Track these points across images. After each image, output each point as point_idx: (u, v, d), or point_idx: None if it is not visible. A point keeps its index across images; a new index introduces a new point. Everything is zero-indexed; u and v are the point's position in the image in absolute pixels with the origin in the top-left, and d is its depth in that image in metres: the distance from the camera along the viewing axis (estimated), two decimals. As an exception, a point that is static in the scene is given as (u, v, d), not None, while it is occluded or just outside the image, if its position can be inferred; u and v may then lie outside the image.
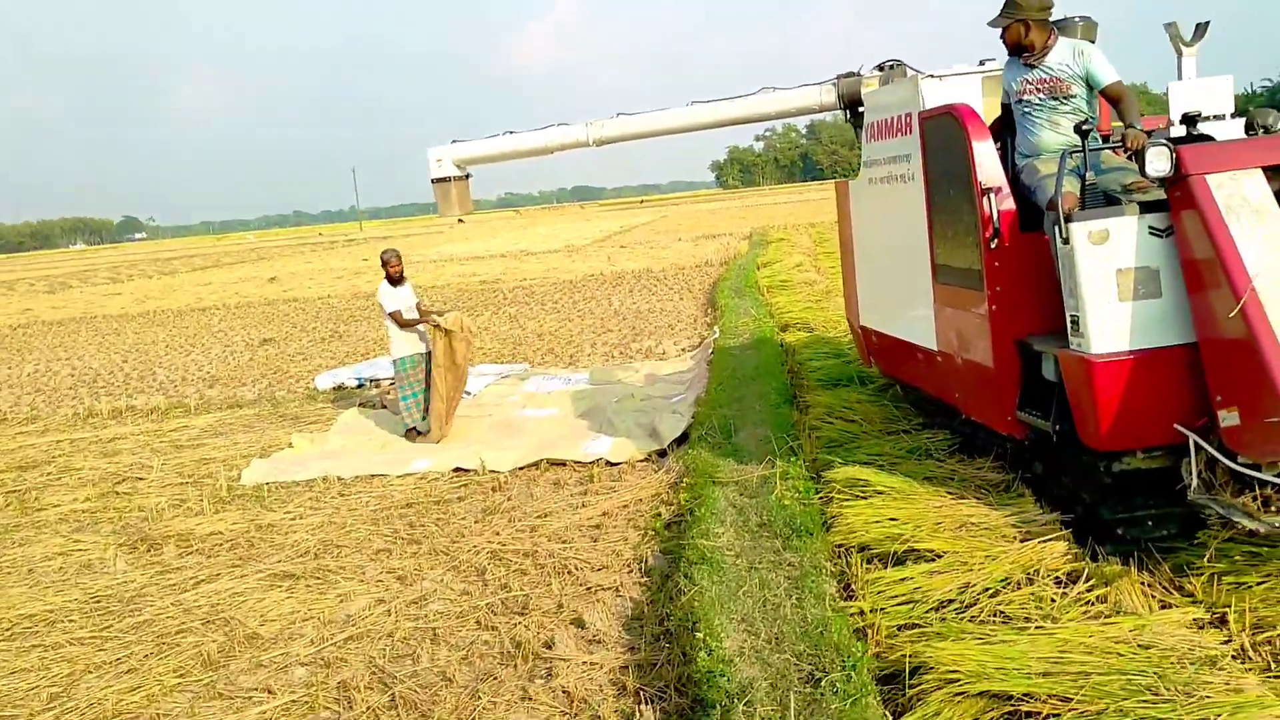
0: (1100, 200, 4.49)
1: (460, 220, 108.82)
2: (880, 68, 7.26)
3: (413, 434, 9.26)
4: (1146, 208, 4.30)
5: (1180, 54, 5.17)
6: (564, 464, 8.02)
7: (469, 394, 11.08)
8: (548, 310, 18.92)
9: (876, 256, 6.79)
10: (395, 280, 9.31)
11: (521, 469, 8.04)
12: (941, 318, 5.68)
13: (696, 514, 5.77)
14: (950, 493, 5.29)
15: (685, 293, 19.64)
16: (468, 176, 9.29)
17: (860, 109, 7.06)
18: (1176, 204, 4.19)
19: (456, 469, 8.19)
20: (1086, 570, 4.19)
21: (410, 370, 9.24)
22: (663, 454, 7.93)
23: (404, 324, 9.15)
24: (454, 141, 9.30)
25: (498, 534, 6.59)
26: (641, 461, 7.90)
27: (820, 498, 5.63)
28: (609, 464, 7.89)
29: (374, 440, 9.38)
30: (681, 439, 8.07)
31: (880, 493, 5.30)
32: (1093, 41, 5.38)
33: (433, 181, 9.23)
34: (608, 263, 29.13)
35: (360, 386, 12.50)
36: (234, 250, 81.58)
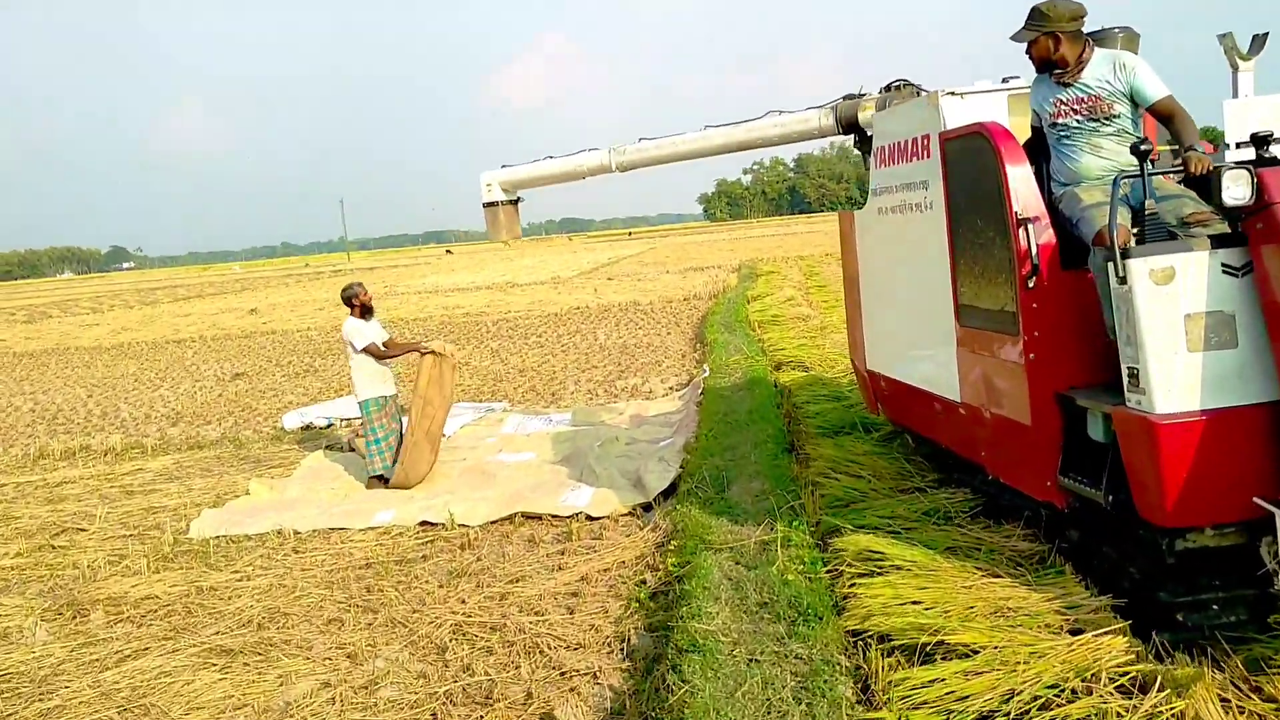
0: (1163, 234, 3.84)
1: (448, 251, 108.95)
2: (886, 89, 6.66)
3: (376, 482, 8.55)
4: (1218, 242, 3.67)
5: (1236, 68, 4.56)
6: (540, 518, 7.32)
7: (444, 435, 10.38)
8: (531, 345, 18.25)
9: (887, 294, 6.15)
10: (364, 313, 8.64)
11: (494, 522, 7.34)
12: (966, 365, 5.02)
13: (687, 586, 5.07)
14: (979, 568, 4.60)
15: (673, 327, 19.01)
16: (517, 201, 8.99)
17: (866, 132, 6.46)
18: (1257, 237, 3.55)
19: (423, 522, 7.48)
20: (1158, 677, 3.49)
21: (377, 413, 8.55)
22: (648, 508, 7.24)
23: (383, 356, 8.49)
24: (503, 166, 8.97)
25: (464, 602, 5.87)
26: (625, 515, 7.20)
27: (829, 571, 4.93)
28: (589, 518, 7.19)
29: (339, 488, 8.65)
30: (669, 490, 7.38)
31: (898, 567, 4.61)
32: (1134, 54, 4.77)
33: (484, 206, 8.91)
34: (594, 295, 28.52)
35: (329, 426, 11.78)
36: (218, 281, 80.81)
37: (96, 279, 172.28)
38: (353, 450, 10.07)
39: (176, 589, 6.49)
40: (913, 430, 6.41)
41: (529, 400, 12.39)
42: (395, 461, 8.50)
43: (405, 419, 8.59)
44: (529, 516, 7.35)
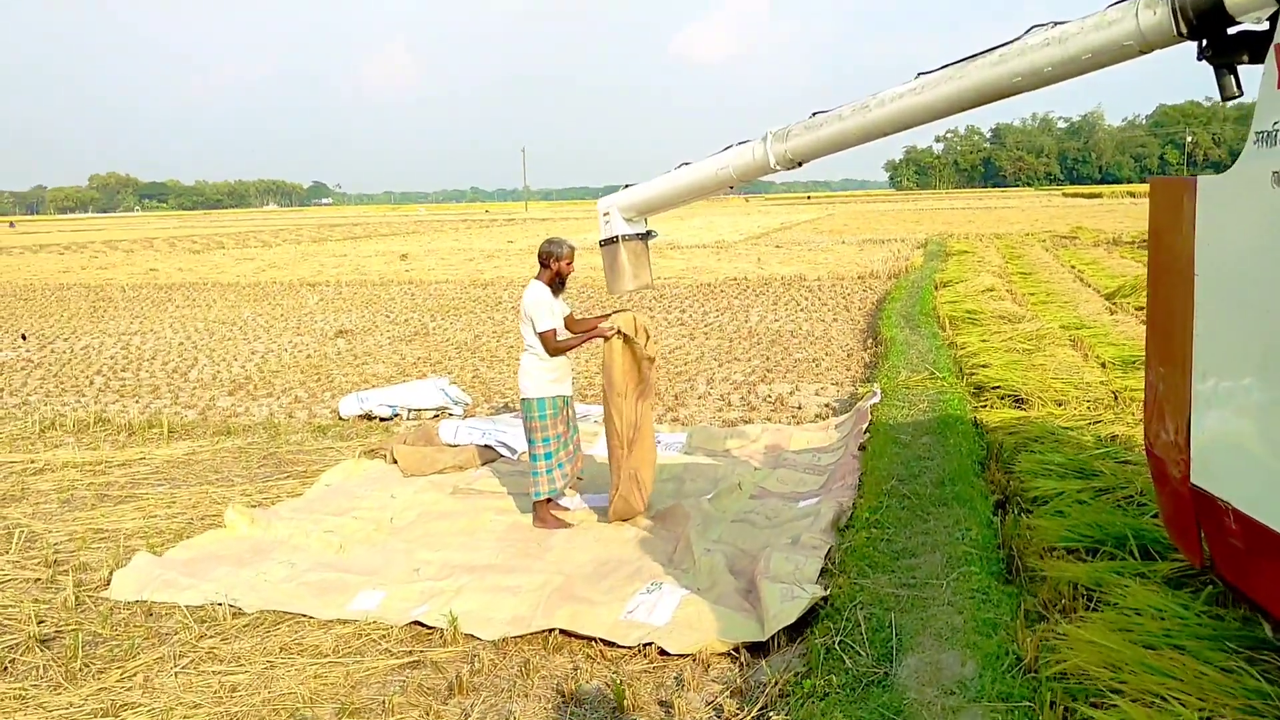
0: None
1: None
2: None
3: (546, 510, 6.21)
4: None
5: None
6: (591, 639, 4.61)
7: (511, 452, 7.81)
8: (671, 322, 15.50)
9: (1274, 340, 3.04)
10: (558, 283, 6.15)
11: (518, 638, 4.68)
12: None
13: None
14: None
15: (841, 312, 15.86)
16: (647, 235, 6.07)
17: (1241, 26, 3.29)
18: None
19: (414, 622, 4.89)
20: None
21: (552, 418, 6.11)
22: (761, 648, 4.40)
23: (559, 349, 6.03)
24: (625, 187, 6.13)
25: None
26: (720, 655, 4.40)
27: None
28: (663, 653, 4.43)
29: (339, 531, 6.18)
30: (799, 621, 4.51)
31: None
32: None
33: (600, 246, 6.12)
34: (757, 265, 25.47)
35: (393, 417, 9.42)
36: (399, 221, 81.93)
37: (295, 212, 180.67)
38: (395, 462, 7.65)
39: None
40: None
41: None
42: (562, 479, 6.18)
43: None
44: (572, 635, 4.65)
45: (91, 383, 12.03)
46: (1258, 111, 2.99)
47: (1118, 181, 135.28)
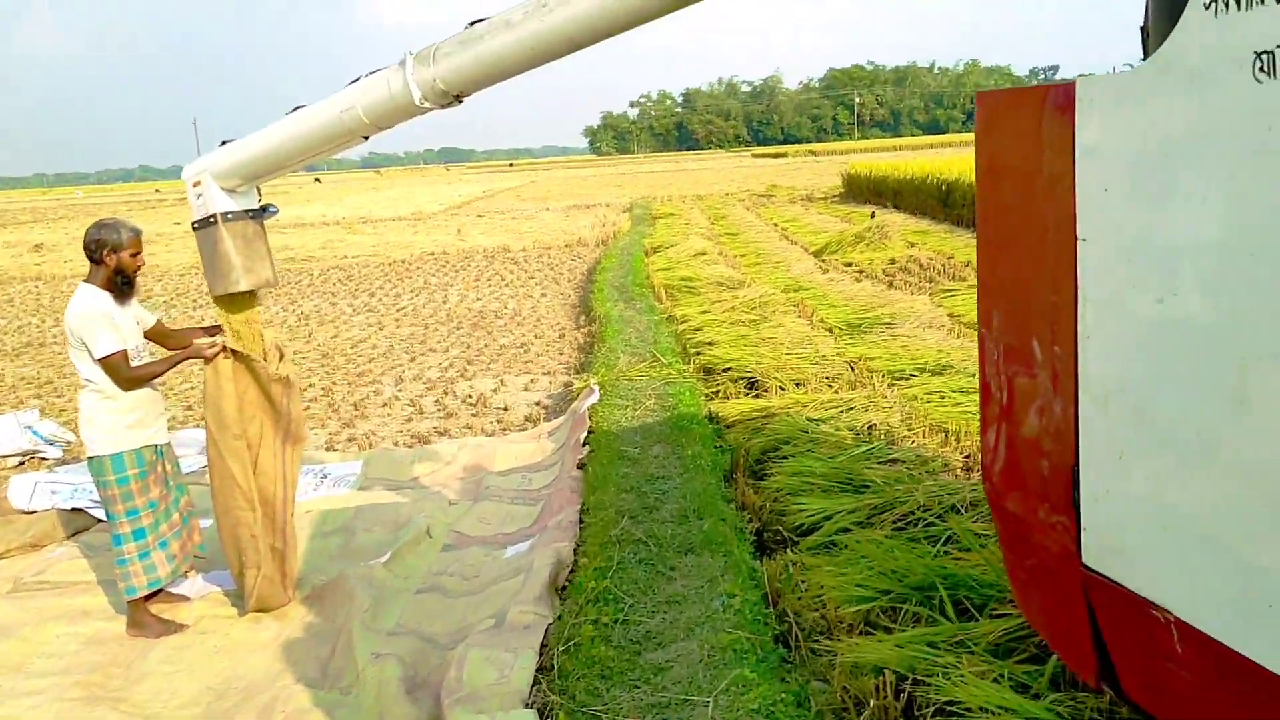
0: None
1: (317, 180, 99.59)
2: None
3: (145, 610, 4.29)
4: None
5: None
6: None
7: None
8: (357, 309, 13.50)
9: (1224, 348, 1.86)
10: (118, 284, 4.12)
11: None
12: None
13: None
14: None
15: (551, 285, 14.51)
16: (262, 213, 4.02)
17: None
18: None
19: None
20: None
21: (138, 480, 4.16)
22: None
23: (137, 379, 4.08)
24: (223, 143, 4.02)
25: None
26: None
27: None
28: None
29: None
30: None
31: None
32: None
33: (194, 229, 3.97)
34: (457, 237, 23.66)
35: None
36: (47, 207, 72.11)
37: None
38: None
39: None
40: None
41: (311, 419, 7.79)
42: (166, 563, 4.11)
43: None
44: None
45: None
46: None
47: (799, 141, 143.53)
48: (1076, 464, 2.16)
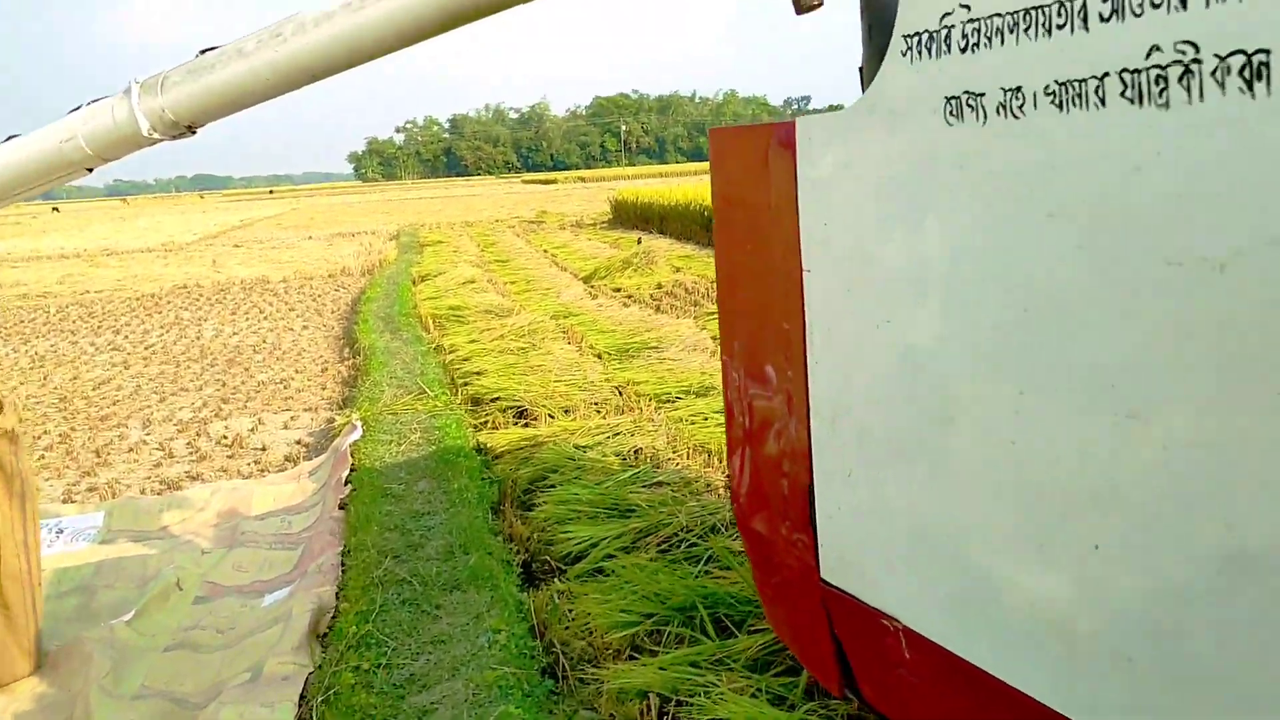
0: None
1: (55, 209, 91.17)
2: None
3: None
4: None
5: None
6: None
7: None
8: (101, 346, 12.47)
9: (928, 358, 2.00)
10: None
11: None
12: None
13: None
14: None
15: (313, 317, 13.95)
16: None
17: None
18: None
19: None
20: None
21: None
22: None
23: None
24: None
25: None
26: None
27: None
28: None
29: None
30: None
31: None
32: None
33: None
34: (212, 268, 22.37)
35: None
36: None
37: None
38: None
39: None
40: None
41: (51, 466, 7.11)
42: None
43: None
44: None
45: None
46: (904, 6, 1.91)
47: (569, 168, 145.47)
48: (812, 483, 2.29)
